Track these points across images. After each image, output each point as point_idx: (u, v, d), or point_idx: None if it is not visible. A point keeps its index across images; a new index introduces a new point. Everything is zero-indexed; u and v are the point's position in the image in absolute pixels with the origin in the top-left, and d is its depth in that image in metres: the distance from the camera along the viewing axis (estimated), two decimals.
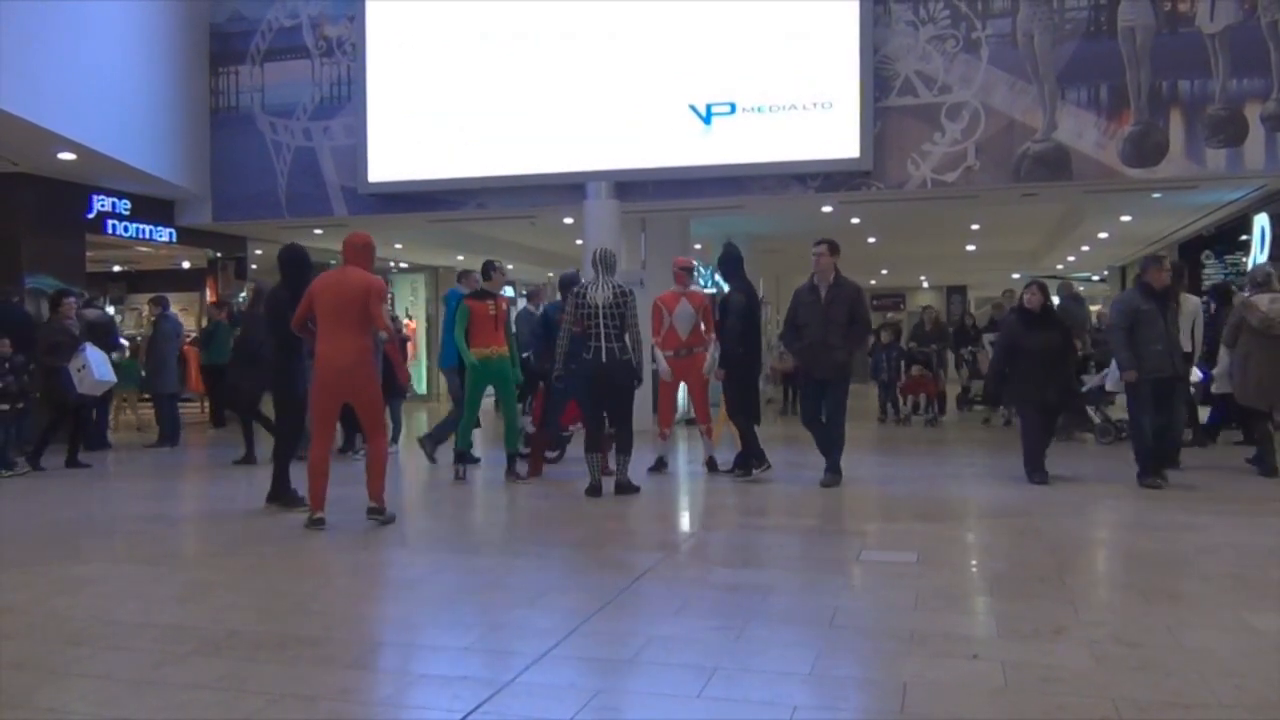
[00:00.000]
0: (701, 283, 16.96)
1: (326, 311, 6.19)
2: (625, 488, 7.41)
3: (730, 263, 8.40)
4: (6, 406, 8.97)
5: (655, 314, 8.65)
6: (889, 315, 25.83)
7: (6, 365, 8.96)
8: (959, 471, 8.81)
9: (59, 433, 9.65)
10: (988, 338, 12.77)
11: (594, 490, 7.36)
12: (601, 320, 7.32)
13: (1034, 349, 7.82)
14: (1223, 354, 8.53)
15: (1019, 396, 8.14)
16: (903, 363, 13.81)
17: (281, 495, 7.00)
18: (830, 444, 7.82)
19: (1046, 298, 8.15)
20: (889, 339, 14.03)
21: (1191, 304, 9.81)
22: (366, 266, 6.39)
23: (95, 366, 9.46)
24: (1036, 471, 7.79)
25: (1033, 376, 7.82)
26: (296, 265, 7.07)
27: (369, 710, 3.31)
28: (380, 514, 6.31)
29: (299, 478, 6.72)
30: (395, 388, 10.18)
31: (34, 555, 5.69)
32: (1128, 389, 7.75)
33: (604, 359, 7.30)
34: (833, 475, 7.76)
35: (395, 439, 10.50)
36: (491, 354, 8.07)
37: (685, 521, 6.94)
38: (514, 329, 8.79)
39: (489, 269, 8.49)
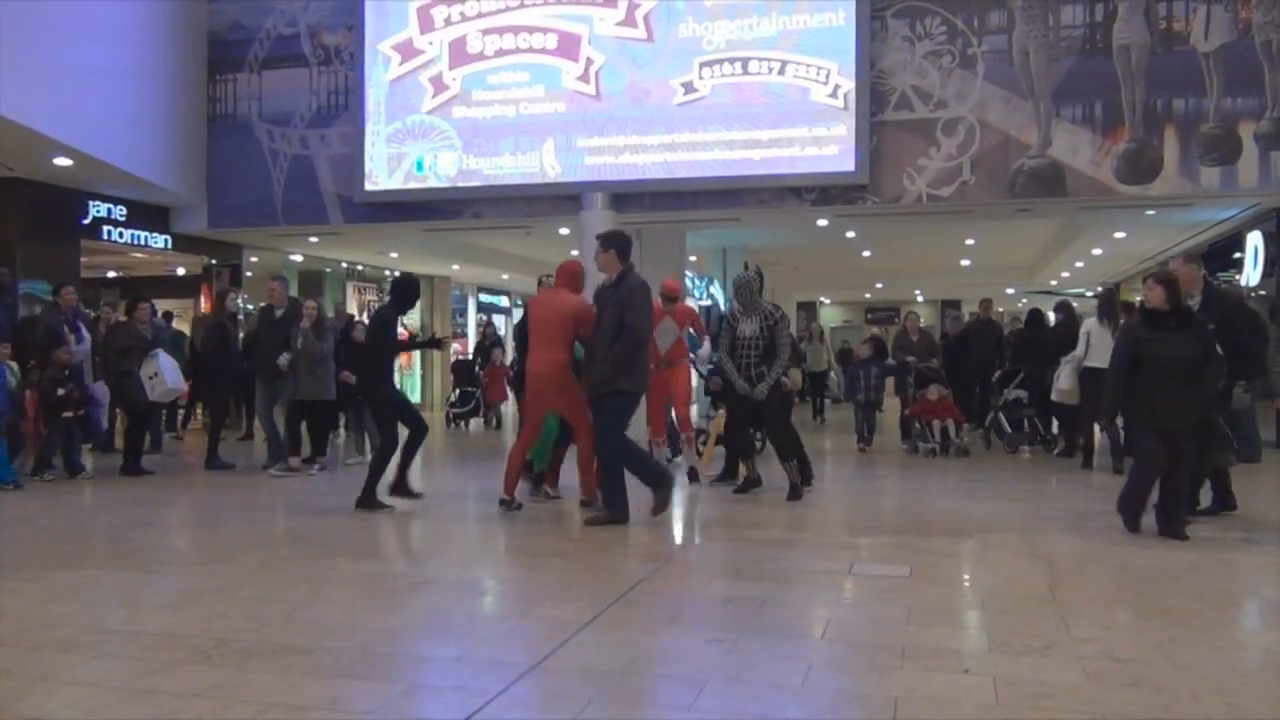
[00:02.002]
0: (697, 295, 16.99)
1: (536, 328, 7.05)
2: (795, 492, 7.77)
3: (742, 290, 8.05)
4: (70, 414, 9.09)
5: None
6: (875, 330, 25.63)
7: (67, 373, 9.10)
8: (950, 487, 8.81)
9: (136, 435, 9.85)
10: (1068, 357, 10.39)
11: (795, 493, 7.78)
12: (750, 350, 7.72)
13: (1161, 359, 6.17)
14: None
15: (1138, 419, 6.38)
16: (908, 381, 11.96)
17: (371, 502, 7.41)
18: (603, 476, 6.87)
19: (1176, 293, 6.35)
20: (868, 354, 12.51)
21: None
22: (576, 290, 7.22)
23: (168, 373, 9.60)
24: (1132, 517, 6.37)
25: (1157, 395, 6.16)
26: (409, 290, 7.89)
27: None
28: (590, 505, 7.05)
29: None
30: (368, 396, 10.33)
31: (26, 562, 5.67)
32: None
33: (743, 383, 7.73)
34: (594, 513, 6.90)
35: (362, 449, 10.52)
36: None
37: (678, 533, 6.93)
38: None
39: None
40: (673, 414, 9.34)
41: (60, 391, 8.97)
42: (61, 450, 9.16)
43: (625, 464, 6.66)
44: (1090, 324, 9.80)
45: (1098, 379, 8.39)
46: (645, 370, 6.87)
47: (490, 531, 6.87)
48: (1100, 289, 11.75)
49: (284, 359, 9.42)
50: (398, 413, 7.60)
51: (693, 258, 16.24)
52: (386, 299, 8.05)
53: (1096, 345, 9.34)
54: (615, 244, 6.82)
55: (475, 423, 16.23)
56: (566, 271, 7.26)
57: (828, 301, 32.69)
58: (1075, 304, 12.77)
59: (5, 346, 8.80)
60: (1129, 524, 6.33)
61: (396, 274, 20.26)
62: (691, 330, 9.35)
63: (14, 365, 8.91)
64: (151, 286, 15.94)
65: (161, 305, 13.25)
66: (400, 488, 7.64)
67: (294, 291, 18.08)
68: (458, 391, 16.34)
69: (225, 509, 7.71)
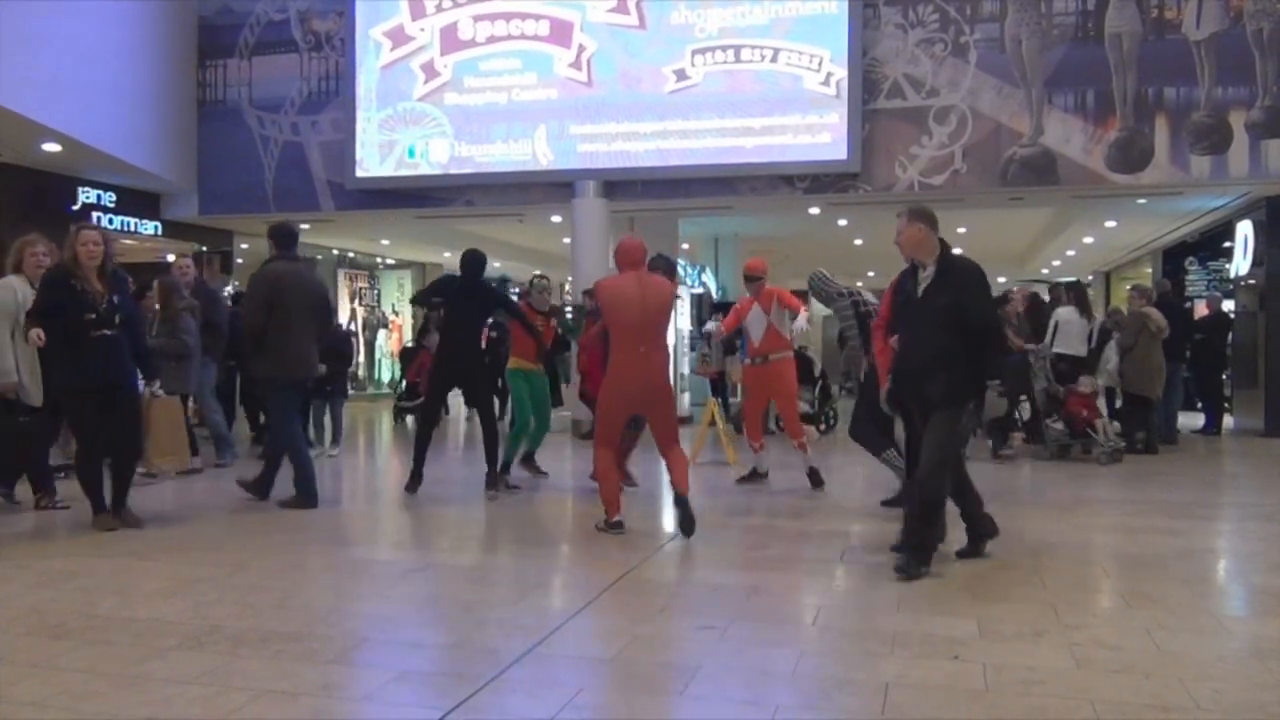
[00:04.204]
0: (689, 282, 16.98)
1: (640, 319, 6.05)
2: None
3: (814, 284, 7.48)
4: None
5: (733, 318, 8.14)
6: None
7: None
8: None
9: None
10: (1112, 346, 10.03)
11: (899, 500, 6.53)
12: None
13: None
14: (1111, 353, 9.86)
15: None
16: (1036, 372, 9.65)
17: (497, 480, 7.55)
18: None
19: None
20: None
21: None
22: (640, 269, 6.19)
23: None
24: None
25: None
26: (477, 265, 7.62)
27: (351, 706, 3.31)
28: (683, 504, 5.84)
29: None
30: (338, 385, 10.08)
31: (15, 550, 5.66)
32: None
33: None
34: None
35: (336, 440, 10.23)
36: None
37: (670, 521, 6.95)
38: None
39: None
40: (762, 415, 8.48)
41: None
42: None
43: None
44: (1062, 313, 9.95)
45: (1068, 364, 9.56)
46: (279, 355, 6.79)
47: (481, 519, 6.88)
48: (1068, 281, 11.77)
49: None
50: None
51: (685, 245, 16.23)
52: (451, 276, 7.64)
53: (1064, 333, 9.87)
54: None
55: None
56: (640, 250, 6.14)
57: None
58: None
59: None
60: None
61: (389, 262, 20.28)
62: (789, 311, 7.78)
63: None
64: (141, 273, 15.87)
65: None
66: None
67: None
68: (404, 383, 14.72)
69: (215, 495, 7.68)
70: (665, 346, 6.05)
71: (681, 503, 5.80)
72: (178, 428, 8.18)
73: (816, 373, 12.42)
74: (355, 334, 10.29)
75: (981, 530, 5.33)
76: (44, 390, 6.52)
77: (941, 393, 4.92)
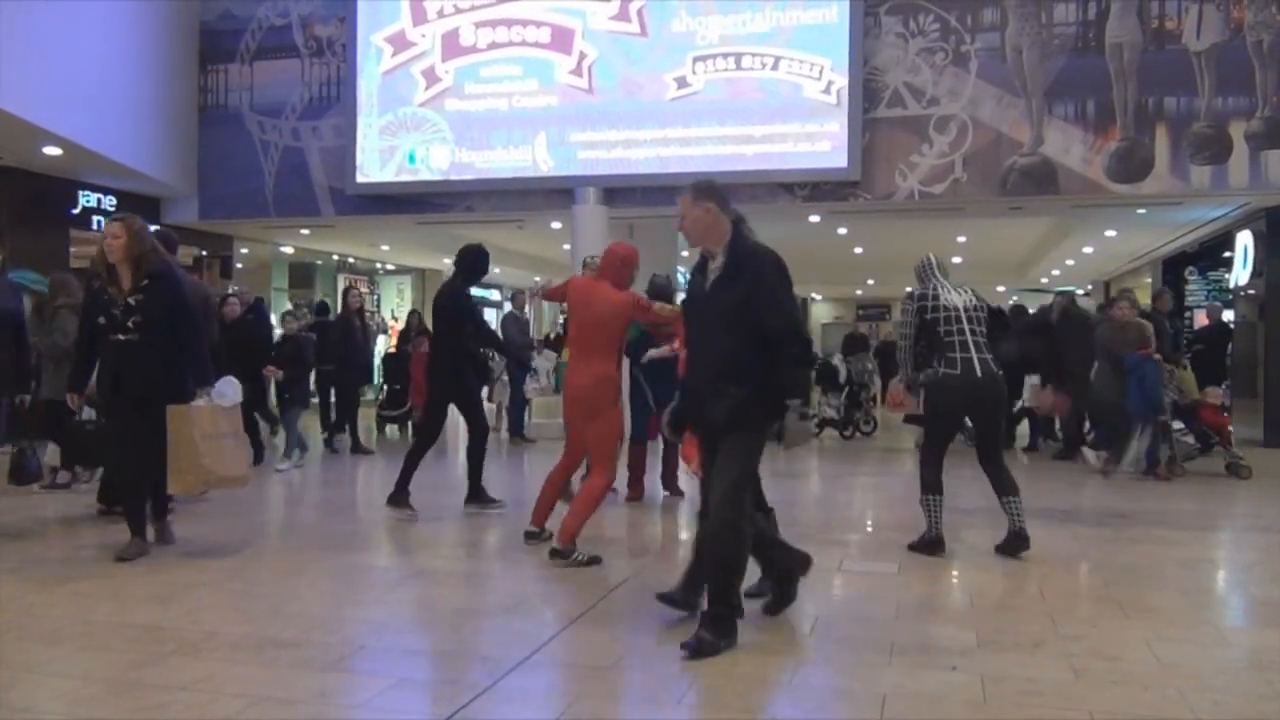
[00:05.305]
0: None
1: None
2: (1016, 543, 5.59)
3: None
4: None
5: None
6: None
7: None
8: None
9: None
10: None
11: (934, 545, 5.67)
12: (966, 325, 5.70)
13: None
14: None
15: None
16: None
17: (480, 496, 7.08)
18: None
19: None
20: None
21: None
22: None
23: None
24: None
25: None
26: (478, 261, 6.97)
27: (348, 713, 3.30)
28: (561, 555, 5.40)
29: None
30: (297, 395, 9.54)
31: (10, 555, 5.65)
32: None
33: (978, 373, 5.56)
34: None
35: (288, 453, 9.42)
36: None
37: (667, 530, 6.93)
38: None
39: None
40: None
41: None
42: None
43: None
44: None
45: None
46: None
47: (477, 527, 6.86)
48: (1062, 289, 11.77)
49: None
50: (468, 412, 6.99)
51: (685, 253, 16.21)
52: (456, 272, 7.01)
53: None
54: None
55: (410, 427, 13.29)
56: (612, 258, 5.80)
57: (818, 298, 32.69)
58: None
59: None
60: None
61: (389, 267, 20.29)
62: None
63: None
64: None
65: None
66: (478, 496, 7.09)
67: (282, 283, 18.23)
68: (386, 389, 13.93)
69: (212, 502, 7.66)
70: (601, 360, 5.55)
71: (552, 547, 5.46)
72: (187, 444, 5.82)
73: (841, 379, 12.84)
74: (313, 340, 9.82)
75: (790, 576, 4.43)
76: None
77: (725, 413, 3.94)
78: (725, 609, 3.89)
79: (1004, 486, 5.63)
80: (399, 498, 6.84)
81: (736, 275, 4.00)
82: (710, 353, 4.05)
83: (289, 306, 14.45)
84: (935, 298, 5.73)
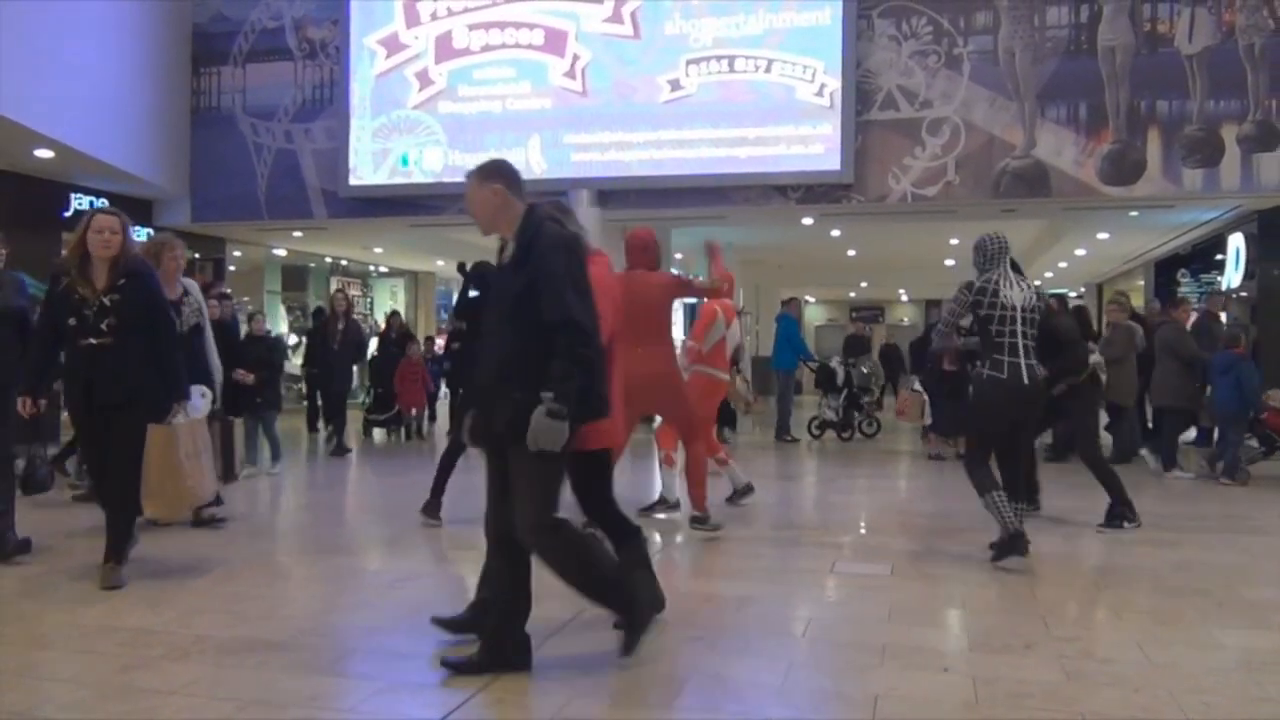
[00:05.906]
0: None
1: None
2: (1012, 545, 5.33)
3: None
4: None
5: (705, 322, 7.09)
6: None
7: None
8: (937, 487, 8.84)
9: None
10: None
11: (1014, 544, 5.27)
12: (1020, 326, 5.43)
13: None
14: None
15: None
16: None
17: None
18: None
19: None
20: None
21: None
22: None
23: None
24: None
25: None
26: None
27: (339, 717, 3.29)
28: (703, 522, 6.25)
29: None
30: (269, 397, 9.16)
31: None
32: None
33: (1025, 380, 5.39)
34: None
35: (276, 457, 9.28)
36: None
37: (660, 532, 6.93)
38: None
39: None
40: None
41: None
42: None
43: None
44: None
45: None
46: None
47: (467, 530, 6.84)
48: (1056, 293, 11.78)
49: None
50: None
51: (678, 255, 16.23)
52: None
53: None
54: None
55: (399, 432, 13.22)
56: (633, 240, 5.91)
57: (812, 300, 32.72)
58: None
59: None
60: None
61: (382, 270, 20.25)
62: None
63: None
64: None
65: None
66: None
67: (275, 286, 18.15)
68: (373, 393, 13.63)
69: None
70: (656, 344, 5.70)
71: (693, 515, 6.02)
72: (169, 465, 5.18)
73: (840, 382, 12.91)
74: (282, 340, 9.49)
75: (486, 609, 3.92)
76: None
77: (506, 419, 3.45)
78: (623, 612, 3.72)
79: (1014, 491, 5.52)
80: (430, 506, 6.64)
81: (525, 261, 3.56)
82: (493, 350, 3.59)
83: (276, 311, 14.21)
84: (995, 293, 5.42)
